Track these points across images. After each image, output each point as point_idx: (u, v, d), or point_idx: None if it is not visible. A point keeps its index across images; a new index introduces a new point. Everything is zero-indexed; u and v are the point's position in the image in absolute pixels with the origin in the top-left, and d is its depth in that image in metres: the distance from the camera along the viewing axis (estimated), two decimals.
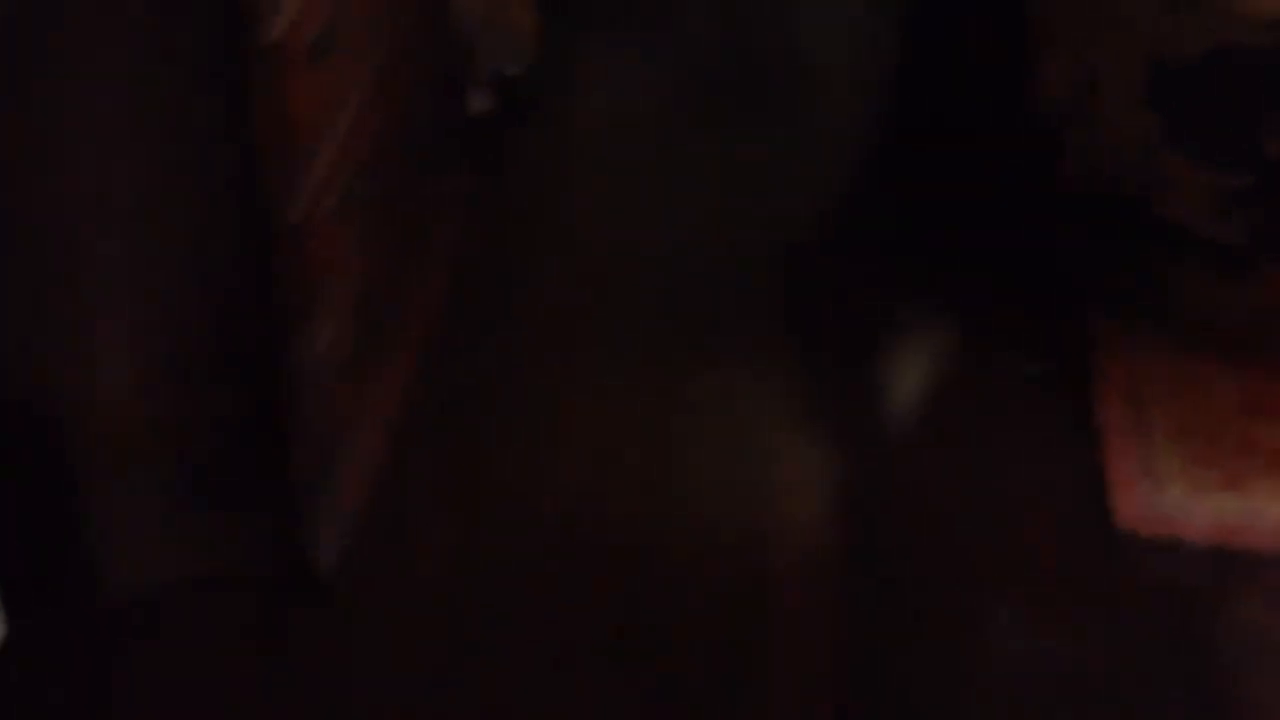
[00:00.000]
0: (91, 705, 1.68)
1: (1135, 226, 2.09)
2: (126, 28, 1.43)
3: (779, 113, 2.75)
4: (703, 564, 1.89)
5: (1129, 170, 2.03)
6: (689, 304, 2.32)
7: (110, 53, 1.46)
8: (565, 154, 2.67)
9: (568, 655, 1.78)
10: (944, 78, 2.72)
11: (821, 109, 2.77)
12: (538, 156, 2.64)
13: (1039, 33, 2.14)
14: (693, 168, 2.63)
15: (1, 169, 1.50)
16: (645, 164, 2.64)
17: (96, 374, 1.59)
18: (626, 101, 2.80)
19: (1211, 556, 1.86)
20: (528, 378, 2.17)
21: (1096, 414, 2.01)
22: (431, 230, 2.25)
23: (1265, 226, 1.97)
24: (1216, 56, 1.88)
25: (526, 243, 2.45)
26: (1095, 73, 2.02)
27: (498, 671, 1.75)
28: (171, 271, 1.55)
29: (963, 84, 2.66)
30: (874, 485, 1.98)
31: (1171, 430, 1.99)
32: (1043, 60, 2.12)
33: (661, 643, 1.79)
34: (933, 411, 2.10)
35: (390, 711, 1.70)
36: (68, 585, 1.67)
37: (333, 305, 1.70)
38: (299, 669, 1.74)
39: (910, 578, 1.86)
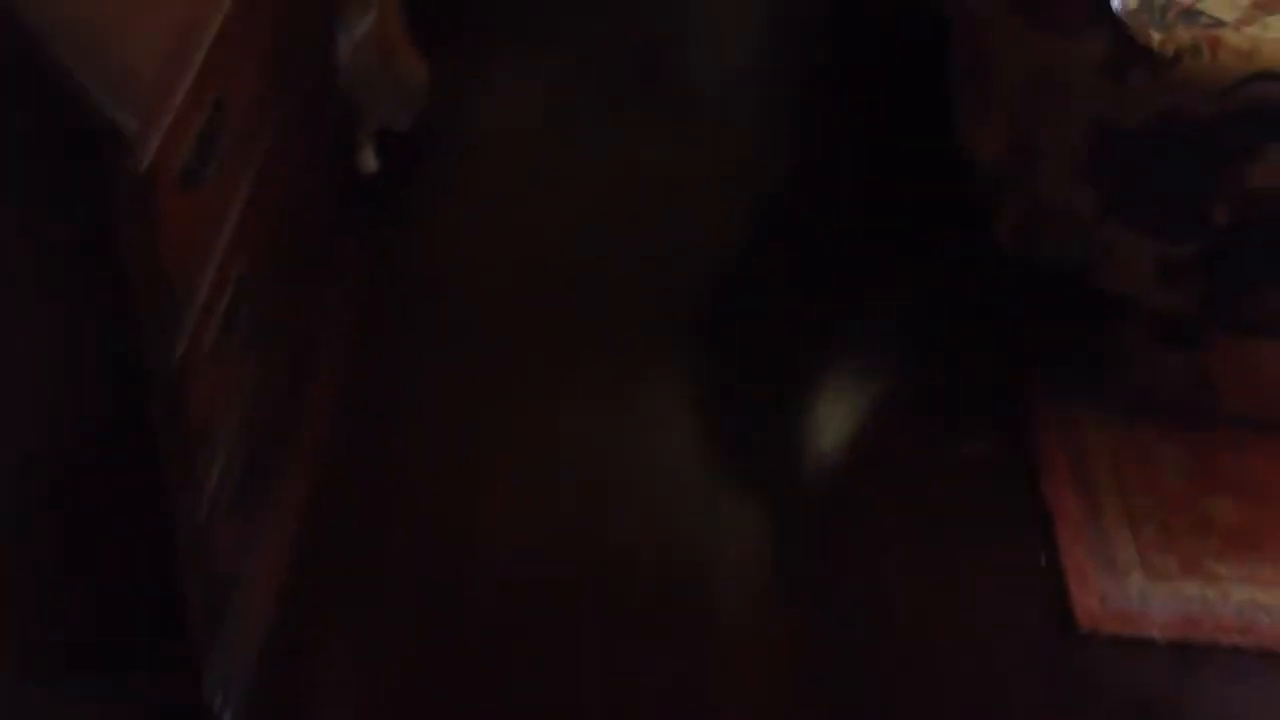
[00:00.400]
0: None
1: (1077, 294, 2.00)
2: None
3: (688, 139, 2.65)
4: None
5: (1069, 237, 1.93)
6: (601, 345, 2.21)
7: None
8: (466, 203, 2.54)
9: None
10: (864, 112, 2.64)
11: (735, 137, 2.68)
12: (438, 209, 2.51)
13: (973, 92, 2.03)
14: (598, 197, 2.52)
15: None
16: (551, 199, 2.52)
17: None
18: (527, 133, 2.68)
19: (1176, 653, 1.77)
20: (441, 442, 2.04)
21: (1045, 497, 1.92)
22: (330, 310, 2.11)
23: (1213, 294, 1.89)
24: (1161, 124, 1.79)
25: (433, 299, 2.33)
26: (1032, 138, 1.92)
27: None
28: (41, 427, 1.39)
29: (886, 122, 2.58)
30: (814, 589, 1.87)
31: (1123, 513, 1.91)
32: (977, 122, 2.01)
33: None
34: (873, 497, 1.99)
35: None
36: None
37: (220, 438, 1.55)
38: None
39: (863, 692, 1.76)
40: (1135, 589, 1.81)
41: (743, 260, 2.41)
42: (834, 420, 2.17)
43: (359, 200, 2.46)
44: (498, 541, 1.91)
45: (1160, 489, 1.93)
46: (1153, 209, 1.87)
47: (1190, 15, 1.85)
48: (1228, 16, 1.84)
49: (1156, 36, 1.77)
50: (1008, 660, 1.77)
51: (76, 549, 1.48)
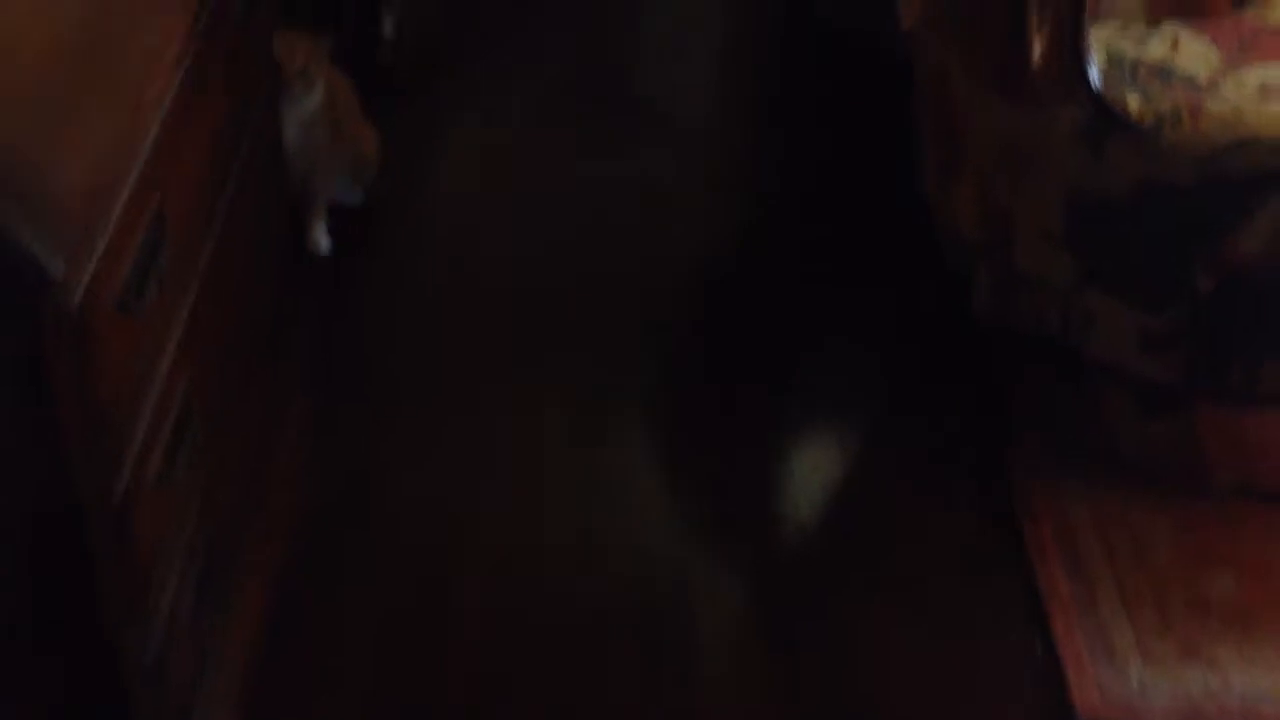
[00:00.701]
0: None
1: (1058, 364, 1.94)
2: None
3: (651, 183, 2.59)
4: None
5: (1047, 306, 1.88)
6: (570, 403, 2.16)
7: None
8: (423, 270, 2.47)
9: None
10: (839, 154, 2.58)
11: (704, 189, 2.62)
12: (395, 279, 2.44)
13: (941, 157, 1.97)
14: (562, 246, 2.46)
15: None
16: (510, 253, 2.47)
17: None
18: (481, 188, 2.63)
19: None
20: (411, 514, 1.99)
21: (1036, 575, 1.85)
22: (287, 396, 2.03)
23: (1199, 363, 1.83)
24: (1141, 192, 1.73)
25: (395, 370, 2.26)
26: (1006, 206, 1.86)
27: None
28: None
29: (863, 165, 2.52)
30: (801, 676, 1.81)
31: (1118, 593, 1.84)
32: (947, 188, 1.95)
33: None
34: (855, 573, 1.91)
35: None
36: None
37: (171, 564, 1.47)
38: None
39: None
40: (1135, 678, 1.75)
41: (712, 316, 2.36)
42: (813, 487, 2.11)
43: (313, 279, 2.40)
44: (470, 629, 1.85)
45: (1154, 566, 1.87)
46: (1134, 277, 1.81)
47: (1162, 72, 1.80)
48: (1200, 72, 1.79)
49: (1135, 105, 1.72)
50: None
51: (21, 691, 1.39)
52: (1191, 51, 1.80)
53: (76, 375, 1.22)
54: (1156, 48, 1.80)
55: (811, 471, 2.12)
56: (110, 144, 1.32)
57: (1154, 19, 1.82)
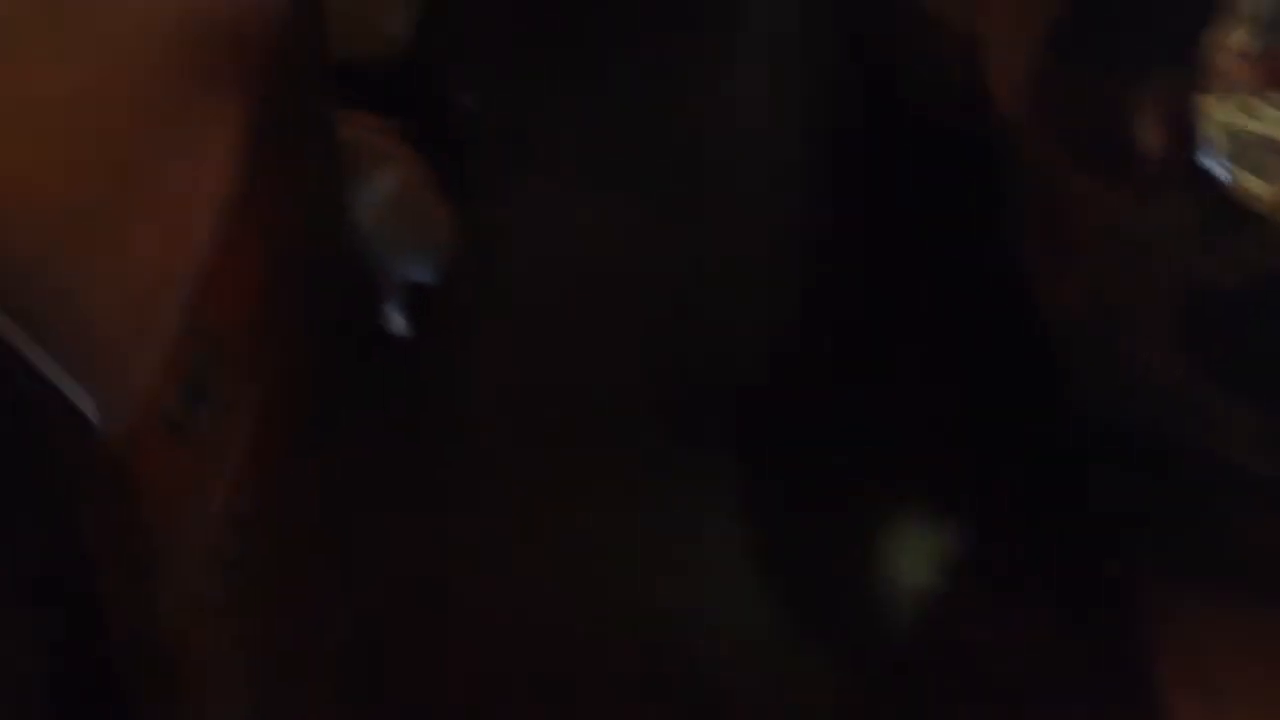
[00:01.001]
0: None
1: (1175, 466, 1.83)
2: None
3: (733, 272, 2.51)
4: None
5: (1161, 405, 1.76)
6: (640, 487, 2.07)
7: None
8: (505, 350, 2.40)
9: None
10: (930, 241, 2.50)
11: (788, 270, 2.54)
12: (473, 361, 2.38)
13: (1039, 245, 1.87)
14: (645, 322, 2.36)
15: None
16: (593, 332, 2.38)
17: None
18: (563, 264, 2.56)
19: None
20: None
21: (1162, 708, 1.72)
22: (358, 488, 1.98)
23: None
24: (1263, 284, 1.62)
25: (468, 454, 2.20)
26: (1113, 297, 1.76)
27: None
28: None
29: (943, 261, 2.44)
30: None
31: None
32: (1046, 277, 1.85)
33: None
34: (946, 695, 1.81)
35: None
36: None
37: (221, 692, 1.40)
38: None
39: None
40: None
41: (796, 403, 2.27)
42: (897, 589, 2.00)
43: (387, 363, 2.34)
44: (470, 629, 1.79)
45: None
46: (1254, 374, 1.70)
47: (1275, 147, 1.69)
48: None
49: (1254, 188, 1.61)
50: None
51: None
52: None
53: (117, 514, 1.15)
54: (1274, 124, 1.69)
55: (897, 568, 2.01)
56: (155, 255, 1.25)
57: (1268, 93, 1.72)
